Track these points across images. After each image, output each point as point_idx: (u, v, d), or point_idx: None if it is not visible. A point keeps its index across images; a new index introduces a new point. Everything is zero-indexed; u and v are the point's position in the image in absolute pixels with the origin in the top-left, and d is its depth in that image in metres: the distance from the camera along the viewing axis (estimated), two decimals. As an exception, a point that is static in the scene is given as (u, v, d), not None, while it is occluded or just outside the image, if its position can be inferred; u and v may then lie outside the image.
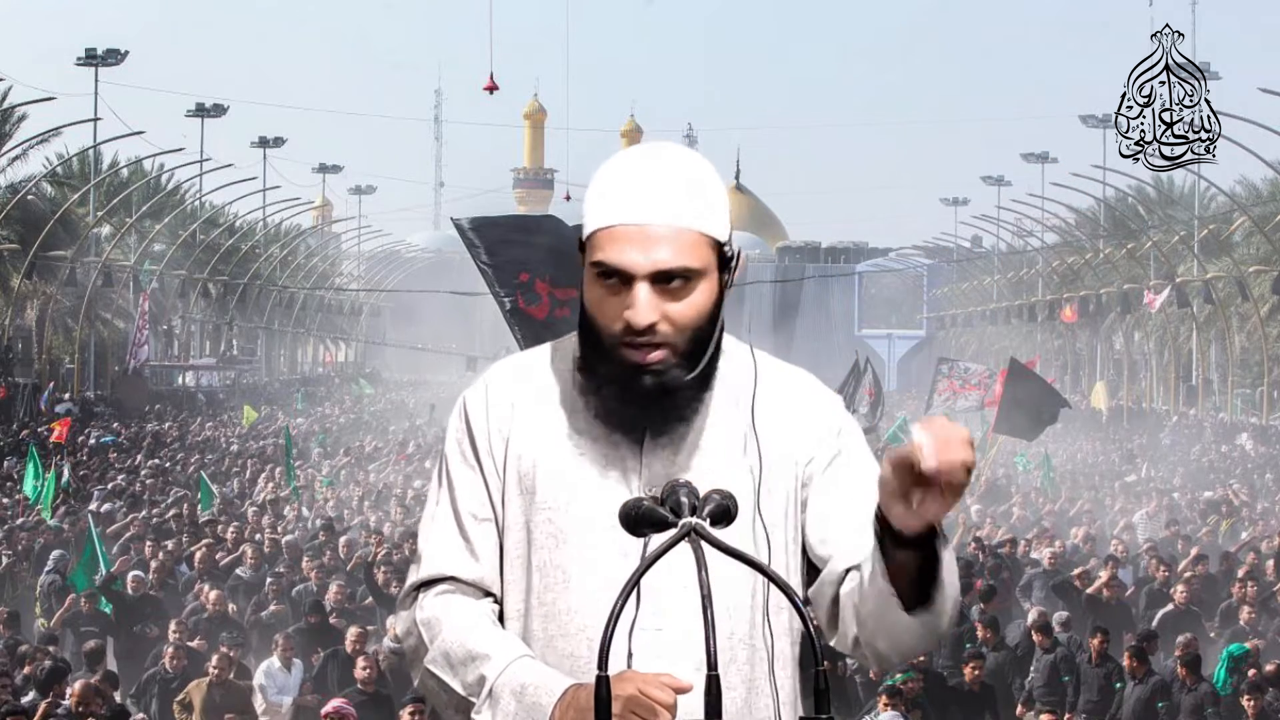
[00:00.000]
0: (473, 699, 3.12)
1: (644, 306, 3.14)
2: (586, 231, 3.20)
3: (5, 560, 21.23)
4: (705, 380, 3.22)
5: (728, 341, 3.31)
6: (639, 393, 3.16)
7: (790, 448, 3.27)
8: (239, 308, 77.78)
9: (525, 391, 3.31)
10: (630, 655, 3.05)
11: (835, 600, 3.20)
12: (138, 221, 65.52)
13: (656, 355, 3.15)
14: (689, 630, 3.07)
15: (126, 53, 62.31)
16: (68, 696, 12.95)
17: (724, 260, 3.21)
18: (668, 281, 3.14)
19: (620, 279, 3.15)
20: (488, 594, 3.27)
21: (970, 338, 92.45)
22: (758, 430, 3.25)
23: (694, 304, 3.18)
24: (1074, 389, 71.33)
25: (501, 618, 3.25)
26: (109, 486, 29.84)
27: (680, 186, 3.19)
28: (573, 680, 3.06)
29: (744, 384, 3.28)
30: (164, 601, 18.24)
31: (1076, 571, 19.67)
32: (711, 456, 3.23)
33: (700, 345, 3.18)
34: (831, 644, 3.24)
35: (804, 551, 3.30)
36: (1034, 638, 16.35)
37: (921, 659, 14.92)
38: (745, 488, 3.16)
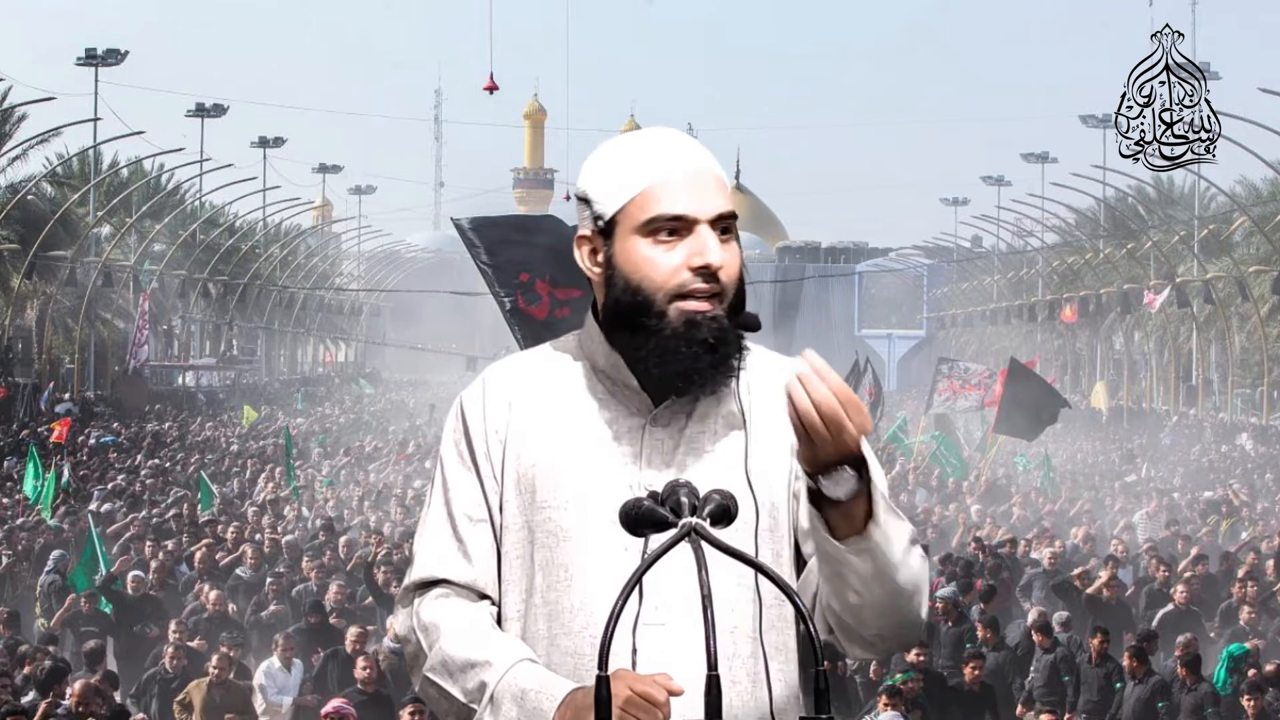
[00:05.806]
0: (474, 706, 3.07)
1: (716, 247, 3.08)
2: (624, 199, 3.11)
3: (5, 560, 21.22)
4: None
5: None
6: (697, 343, 3.07)
7: (786, 432, 3.16)
8: (239, 308, 77.74)
9: (523, 391, 3.24)
10: (635, 651, 3.02)
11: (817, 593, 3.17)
12: (138, 221, 65.49)
13: (716, 306, 3.09)
14: (693, 625, 3.03)
15: (126, 53, 62.29)
16: (68, 696, 12.94)
17: None
18: (720, 230, 3.10)
19: (676, 231, 3.09)
20: (483, 596, 3.22)
21: (970, 338, 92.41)
22: (747, 412, 3.18)
23: (738, 256, 3.14)
24: (1074, 389, 71.30)
25: (500, 620, 3.20)
26: (109, 486, 29.83)
27: (696, 143, 3.19)
28: (575, 683, 3.02)
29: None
30: (164, 601, 18.24)
31: (1076, 571, 19.65)
32: (708, 452, 3.17)
33: (740, 305, 3.13)
34: (825, 637, 3.19)
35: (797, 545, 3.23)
36: (1034, 638, 16.34)
37: (920, 659, 14.91)
38: (738, 479, 3.08)
